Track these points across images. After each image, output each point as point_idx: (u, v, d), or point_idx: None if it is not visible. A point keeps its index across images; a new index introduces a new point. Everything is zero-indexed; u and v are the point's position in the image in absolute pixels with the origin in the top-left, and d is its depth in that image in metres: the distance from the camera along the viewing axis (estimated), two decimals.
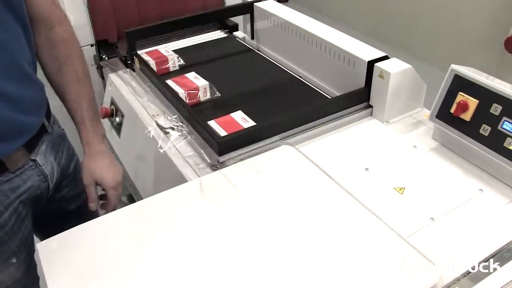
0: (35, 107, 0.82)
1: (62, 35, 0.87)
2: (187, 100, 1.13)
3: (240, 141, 0.94)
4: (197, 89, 1.14)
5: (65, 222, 0.93)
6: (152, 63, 1.28)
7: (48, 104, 0.89)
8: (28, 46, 0.79)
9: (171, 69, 1.31)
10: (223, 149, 0.92)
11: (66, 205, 0.98)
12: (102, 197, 0.92)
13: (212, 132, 0.94)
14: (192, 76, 1.20)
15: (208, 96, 1.17)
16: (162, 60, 1.29)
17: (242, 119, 1.03)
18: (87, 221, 1.03)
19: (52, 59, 0.87)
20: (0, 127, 0.74)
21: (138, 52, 1.33)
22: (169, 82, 1.17)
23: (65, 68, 0.87)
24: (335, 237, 0.72)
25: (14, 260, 0.83)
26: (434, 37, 2.95)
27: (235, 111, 1.07)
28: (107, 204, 0.91)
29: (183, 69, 1.31)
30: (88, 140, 0.89)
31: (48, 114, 0.89)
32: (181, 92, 1.13)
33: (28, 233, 0.88)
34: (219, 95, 1.18)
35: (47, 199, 0.91)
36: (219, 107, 1.14)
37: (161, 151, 0.99)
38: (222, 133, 0.98)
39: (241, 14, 1.55)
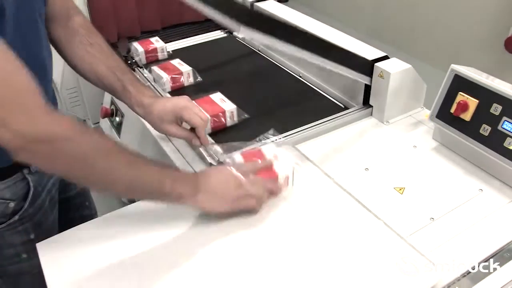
0: (54, 100, 0.86)
1: (81, 21, 0.87)
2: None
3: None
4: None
5: (67, 211, 0.95)
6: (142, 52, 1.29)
7: None
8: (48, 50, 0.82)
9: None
10: None
11: (68, 190, 1.00)
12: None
13: None
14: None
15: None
16: (151, 49, 1.31)
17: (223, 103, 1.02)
18: (85, 209, 1.05)
19: (77, 45, 0.86)
20: None
21: (153, 67, 1.27)
22: (154, 67, 1.18)
23: (93, 49, 0.87)
24: (335, 237, 0.72)
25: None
26: (434, 37, 2.95)
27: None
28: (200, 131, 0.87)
29: (199, 84, 1.24)
30: (140, 98, 0.86)
31: None
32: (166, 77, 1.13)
33: (56, 217, 0.91)
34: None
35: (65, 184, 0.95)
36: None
37: (162, 152, 0.99)
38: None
39: None
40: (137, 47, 1.30)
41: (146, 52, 1.30)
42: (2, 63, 0.57)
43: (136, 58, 1.31)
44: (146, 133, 1.07)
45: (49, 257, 0.70)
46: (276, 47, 0.89)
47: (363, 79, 1.04)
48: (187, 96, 0.88)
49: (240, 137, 0.95)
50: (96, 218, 0.80)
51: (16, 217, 0.81)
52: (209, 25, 1.62)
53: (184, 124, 0.89)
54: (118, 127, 1.29)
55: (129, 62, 1.34)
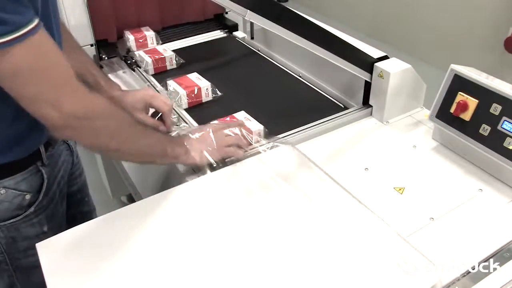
0: None
1: None
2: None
3: None
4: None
5: (68, 207, 0.96)
6: (149, 61, 1.29)
7: None
8: None
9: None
10: None
11: (71, 185, 1.01)
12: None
13: None
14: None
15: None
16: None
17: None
18: (85, 206, 1.07)
19: None
20: None
21: (137, 51, 1.34)
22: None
23: (65, 43, 0.88)
24: (335, 237, 0.72)
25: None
26: (434, 37, 2.95)
27: (237, 111, 1.06)
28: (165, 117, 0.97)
29: (181, 68, 1.32)
30: (112, 93, 0.95)
31: None
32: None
33: (64, 212, 0.94)
34: (221, 94, 1.18)
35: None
36: (220, 107, 1.13)
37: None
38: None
39: None
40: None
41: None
42: (50, 46, 0.62)
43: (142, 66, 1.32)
44: None
45: (49, 257, 0.70)
46: (280, 33, 0.91)
47: (363, 75, 1.04)
48: (151, 89, 0.98)
49: None
50: (96, 218, 0.80)
51: (32, 209, 0.83)
52: (209, 25, 1.61)
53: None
54: None
55: (128, 62, 1.34)
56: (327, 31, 0.99)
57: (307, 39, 0.93)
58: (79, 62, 0.91)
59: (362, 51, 1.03)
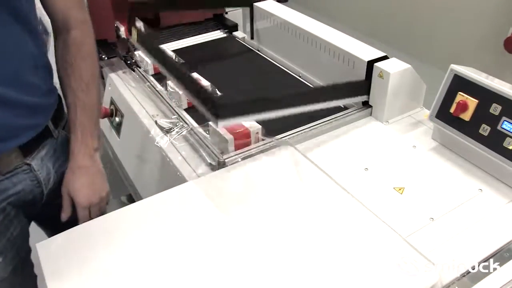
0: (34, 112, 0.81)
1: (75, 38, 0.85)
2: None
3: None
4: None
5: (68, 224, 0.93)
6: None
7: (60, 109, 0.88)
8: (37, 53, 0.80)
9: None
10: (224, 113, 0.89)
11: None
12: None
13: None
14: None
15: None
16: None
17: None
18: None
19: (63, 61, 0.85)
20: None
21: (137, 51, 1.34)
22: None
23: (71, 70, 0.84)
24: (335, 237, 0.72)
25: (0, 260, 0.82)
26: (434, 37, 2.95)
27: None
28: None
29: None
30: (74, 150, 0.83)
31: (58, 118, 0.88)
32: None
33: (18, 234, 0.86)
34: (221, 94, 1.17)
35: (46, 203, 0.89)
36: None
37: (162, 152, 0.99)
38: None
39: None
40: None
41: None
42: None
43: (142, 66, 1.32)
44: (145, 133, 1.07)
45: (49, 257, 0.70)
46: (272, 116, 0.92)
47: (362, 99, 1.07)
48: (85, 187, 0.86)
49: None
50: (96, 218, 0.80)
51: None
52: (209, 25, 1.61)
53: None
54: (117, 127, 1.29)
55: (128, 62, 1.34)
56: (308, 90, 0.96)
57: (294, 106, 0.94)
58: (71, 100, 0.84)
59: (350, 82, 1.05)
